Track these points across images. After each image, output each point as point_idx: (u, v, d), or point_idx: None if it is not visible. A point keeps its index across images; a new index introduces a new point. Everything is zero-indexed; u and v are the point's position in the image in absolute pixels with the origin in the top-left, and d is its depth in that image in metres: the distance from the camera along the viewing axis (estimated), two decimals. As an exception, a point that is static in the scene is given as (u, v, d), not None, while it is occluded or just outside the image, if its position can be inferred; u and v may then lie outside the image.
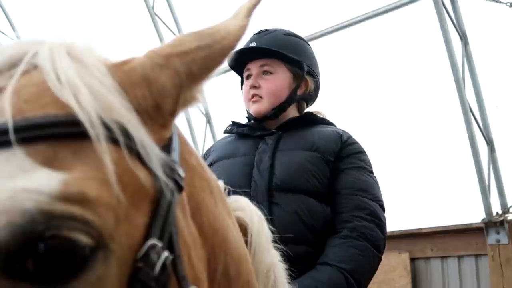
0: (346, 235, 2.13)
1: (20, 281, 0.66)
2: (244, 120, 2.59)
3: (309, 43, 2.63)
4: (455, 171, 6.83)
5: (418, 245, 7.00)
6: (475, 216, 6.50)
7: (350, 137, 2.39)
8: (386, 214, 2.26)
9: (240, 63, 2.52)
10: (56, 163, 0.71)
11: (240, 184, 2.21)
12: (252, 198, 2.14)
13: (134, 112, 0.81)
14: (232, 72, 2.59)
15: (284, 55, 2.41)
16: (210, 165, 2.42)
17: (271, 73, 2.43)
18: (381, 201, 2.26)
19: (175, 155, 0.90)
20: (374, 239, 2.13)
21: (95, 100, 0.76)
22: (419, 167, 7.03)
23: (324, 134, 2.38)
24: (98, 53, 0.89)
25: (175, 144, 0.92)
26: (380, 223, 2.18)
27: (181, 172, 0.88)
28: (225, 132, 2.60)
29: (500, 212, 6.38)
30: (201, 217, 0.98)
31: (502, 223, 6.20)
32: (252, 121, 2.53)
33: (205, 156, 2.54)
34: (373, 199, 2.22)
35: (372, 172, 2.33)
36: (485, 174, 6.45)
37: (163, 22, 8.99)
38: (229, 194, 1.36)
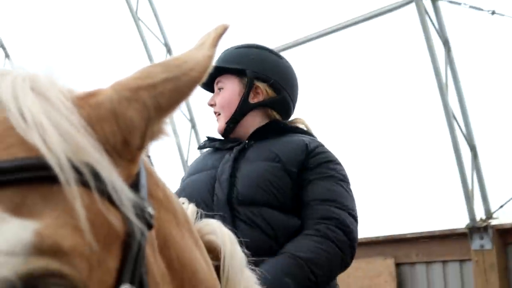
0: (308, 233, 2.12)
1: None
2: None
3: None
4: (439, 176, 6.86)
5: (403, 250, 7.03)
6: (459, 221, 6.54)
7: (318, 146, 2.35)
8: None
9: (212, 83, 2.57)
10: (25, 210, 0.68)
11: (205, 200, 2.22)
12: (215, 213, 2.15)
13: (104, 152, 0.78)
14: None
15: (228, 68, 2.45)
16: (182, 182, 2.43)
17: (222, 88, 2.48)
18: (351, 209, 2.22)
19: (144, 191, 0.88)
20: (338, 241, 2.11)
21: (63, 142, 0.73)
22: (403, 172, 7.05)
23: (290, 144, 2.34)
24: (62, 85, 0.85)
25: (143, 179, 0.89)
26: (347, 229, 2.15)
27: (151, 210, 0.86)
28: (199, 148, 2.63)
29: (483, 217, 6.42)
30: (169, 251, 0.96)
31: (486, 228, 6.25)
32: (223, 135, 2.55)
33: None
34: (341, 207, 2.19)
35: (343, 181, 2.29)
36: (469, 180, 6.49)
37: (147, 26, 8.95)
38: (201, 217, 1.34)
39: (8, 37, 10.47)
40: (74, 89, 0.88)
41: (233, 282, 1.26)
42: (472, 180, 6.51)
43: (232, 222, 2.13)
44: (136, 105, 0.83)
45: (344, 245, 2.12)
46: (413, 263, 6.99)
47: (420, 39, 6.43)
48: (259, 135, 2.41)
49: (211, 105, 2.49)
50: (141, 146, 0.86)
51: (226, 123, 2.43)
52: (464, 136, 6.56)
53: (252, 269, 1.40)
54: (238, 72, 2.45)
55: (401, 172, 7.04)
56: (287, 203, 2.21)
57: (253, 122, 2.45)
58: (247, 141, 2.40)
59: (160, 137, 0.90)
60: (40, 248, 0.65)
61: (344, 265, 2.16)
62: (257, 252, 2.02)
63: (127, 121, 0.82)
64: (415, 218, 6.94)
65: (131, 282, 0.77)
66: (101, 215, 0.74)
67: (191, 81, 0.88)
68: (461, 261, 6.60)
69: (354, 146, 7.06)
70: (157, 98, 0.84)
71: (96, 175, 0.74)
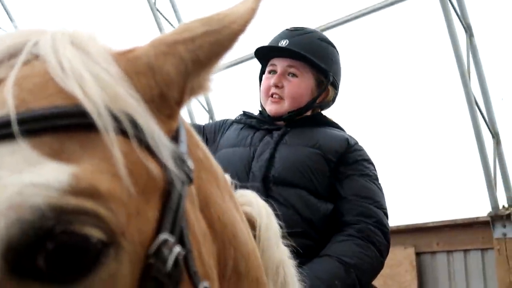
0: (352, 234, 2.14)
1: (30, 280, 0.64)
2: (256, 112, 2.58)
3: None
4: (460, 164, 6.80)
5: (424, 239, 6.98)
6: (481, 210, 6.47)
7: (356, 143, 2.39)
8: (390, 214, 2.29)
9: (266, 54, 2.51)
10: (63, 156, 0.68)
11: (239, 175, 2.22)
12: (250, 184, 2.15)
13: (142, 102, 0.78)
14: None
15: (314, 62, 2.38)
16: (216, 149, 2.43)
17: (296, 76, 2.41)
18: (385, 209, 2.26)
19: (184, 147, 0.88)
20: (378, 243, 2.15)
21: (101, 90, 0.73)
22: (424, 161, 6.99)
23: (330, 134, 2.38)
24: (102, 42, 0.86)
25: (183, 135, 0.89)
26: (385, 230, 2.20)
27: (190, 163, 0.85)
28: (234, 121, 2.58)
29: (506, 205, 6.33)
30: (209, 211, 0.95)
31: (508, 216, 6.16)
32: (261, 114, 2.52)
33: (220, 125, 2.56)
34: (378, 206, 2.23)
35: (377, 179, 2.34)
36: (491, 168, 6.40)
37: (165, 18, 8.95)
38: (235, 188, 1.34)
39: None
40: (112, 47, 0.88)
41: (268, 254, 1.27)
42: (494, 167, 6.42)
43: (265, 200, 2.15)
44: (173, 59, 0.83)
45: (383, 247, 2.17)
46: (433, 252, 6.94)
47: (442, 25, 6.34)
48: (298, 123, 2.43)
49: (276, 86, 2.42)
50: (180, 101, 0.86)
51: (289, 113, 2.40)
52: (487, 123, 6.47)
53: (285, 244, 1.41)
54: (315, 66, 2.41)
55: (422, 160, 6.98)
56: (321, 189, 2.24)
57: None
58: (287, 128, 2.39)
59: (202, 93, 0.90)
60: (76, 188, 0.65)
61: (381, 268, 2.21)
62: (288, 232, 2.04)
63: (164, 75, 0.82)
64: (436, 207, 6.88)
65: (171, 233, 0.76)
66: (140, 163, 0.74)
67: (232, 33, 0.87)
68: (483, 250, 6.53)
69: (374, 134, 7.01)
70: (196, 51, 0.84)
71: (134, 123, 0.75)
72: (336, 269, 2.03)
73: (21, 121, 0.68)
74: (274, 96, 2.41)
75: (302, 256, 2.01)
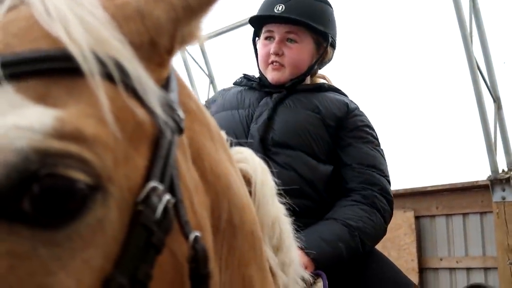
0: (357, 200, 2.14)
1: (16, 224, 0.63)
2: (256, 75, 2.52)
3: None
4: (461, 128, 6.80)
5: (423, 203, 7.03)
6: (481, 173, 6.50)
7: (357, 108, 2.36)
8: (391, 178, 2.29)
9: (260, 19, 2.44)
10: (49, 100, 0.67)
11: (238, 137, 2.18)
12: (247, 141, 2.14)
13: (130, 46, 0.76)
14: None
15: (313, 26, 2.33)
16: (212, 115, 2.39)
17: (295, 41, 2.35)
18: (388, 176, 2.26)
19: (174, 95, 0.85)
20: (383, 210, 2.15)
21: (87, 34, 0.72)
22: (425, 124, 6.99)
23: (330, 99, 2.34)
24: None
25: (173, 84, 0.87)
26: (389, 198, 2.20)
27: (180, 113, 0.84)
28: (234, 83, 2.54)
29: (506, 169, 6.35)
30: (202, 162, 0.94)
31: (508, 180, 6.18)
32: (260, 80, 2.46)
33: (207, 104, 2.50)
34: (382, 174, 2.22)
35: (379, 145, 2.31)
36: (492, 132, 6.39)
37: None
38: (231, 145, 1.32)
39: None
40: None
41: (263, 210, 1.27)
42: (495, 131, 6.41)
43: (262, 159, 2.15)
44: (163, 5, 0.81)
45: (387, 214, 2.18)
46: (433, 216, 6.99)
47: (444, -13, 6.28)
48: (300, 90, 2.39)
49: (276, 54, 2.35)
50: (171, 49, 0.84)
51: (291, 80, 2.36)
52: (488, 87, 6.43)
53: (282, 201, 1.41)
54: (314, 30, 2.36)
55: (422, 124, 6.99)
56: (320, 153, 2.22)
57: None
58: (286, 92, 2.35)
59: (192, 41, 0.88)
60: (60, 132, 0.64)
61: (384, 234, 2.21)
62: (285, 191, 2.05)
63: (154, 20, 0.80)
64: (436, 171, 6.91)
65: (161, 181, 0.75)
66: (126, 109, 0.73)
67: None
68: (482, 213, 6.58)
69: (375, 98, 7.00)
70: None
71: (120, 68, 0.73)
72: (341, 231, 2.03)
73: (5, 65, 0.67)
74: (274, 63, 2.36)
75: (300, 215, 2.04)
